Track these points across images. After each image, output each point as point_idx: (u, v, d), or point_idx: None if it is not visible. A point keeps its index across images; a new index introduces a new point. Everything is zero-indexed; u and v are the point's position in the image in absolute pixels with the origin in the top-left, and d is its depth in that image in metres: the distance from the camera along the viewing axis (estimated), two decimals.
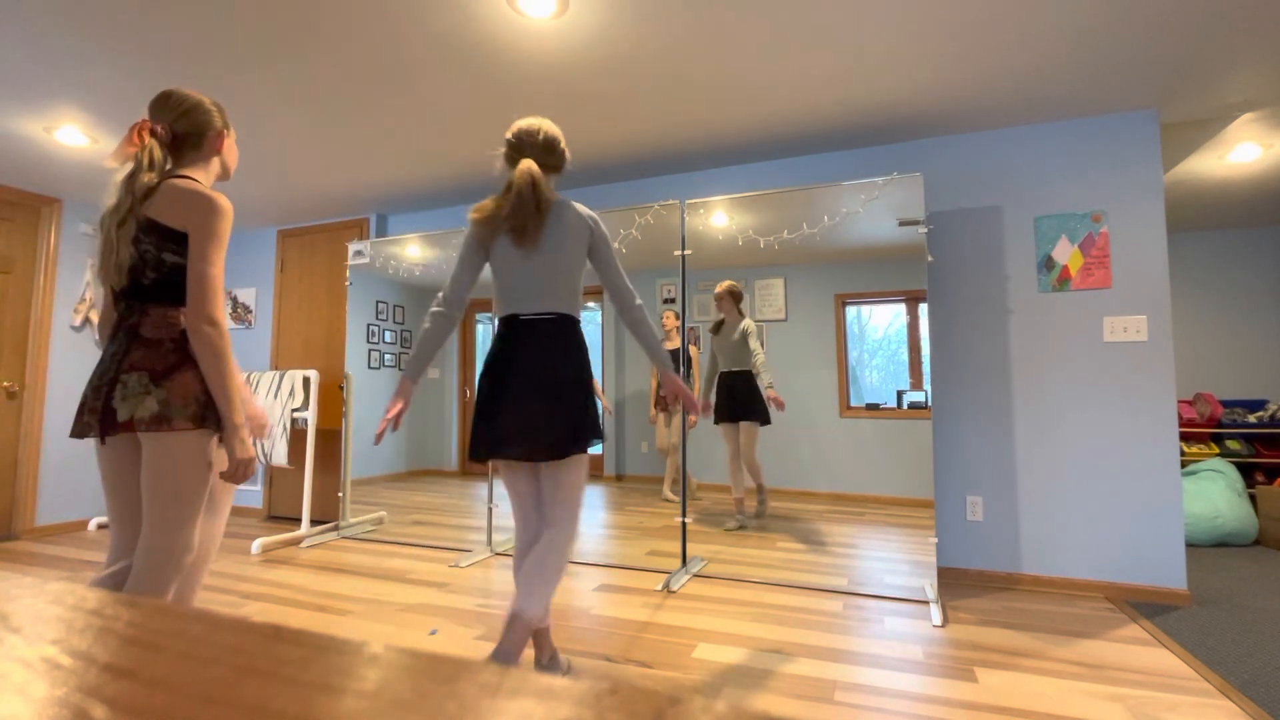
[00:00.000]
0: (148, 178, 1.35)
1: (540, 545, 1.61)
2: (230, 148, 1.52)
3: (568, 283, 1.66)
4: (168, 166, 1.41)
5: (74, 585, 0.32)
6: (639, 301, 1.73)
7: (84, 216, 3.95)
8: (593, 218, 1.70)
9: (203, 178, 1.46)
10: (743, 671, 1.83)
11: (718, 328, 3.04)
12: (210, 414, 1.36)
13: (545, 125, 1.68)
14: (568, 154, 1.74)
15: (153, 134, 1.38)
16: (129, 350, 1.33)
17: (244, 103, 2.60)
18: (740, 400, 2.97)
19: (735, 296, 3.01)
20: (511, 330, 1.64)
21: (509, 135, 1.69)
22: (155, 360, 1.32)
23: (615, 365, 3.18)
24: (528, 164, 1.62)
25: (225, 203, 1.36)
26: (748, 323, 2.97)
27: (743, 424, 2.96)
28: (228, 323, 4.31)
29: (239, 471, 1.38)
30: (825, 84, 2.47)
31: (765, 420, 2.92)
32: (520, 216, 1.60)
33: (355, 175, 3.46)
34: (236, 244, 4.63)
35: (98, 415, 1.31)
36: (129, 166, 1.37)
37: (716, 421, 2.99)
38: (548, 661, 1.77)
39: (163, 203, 1.34)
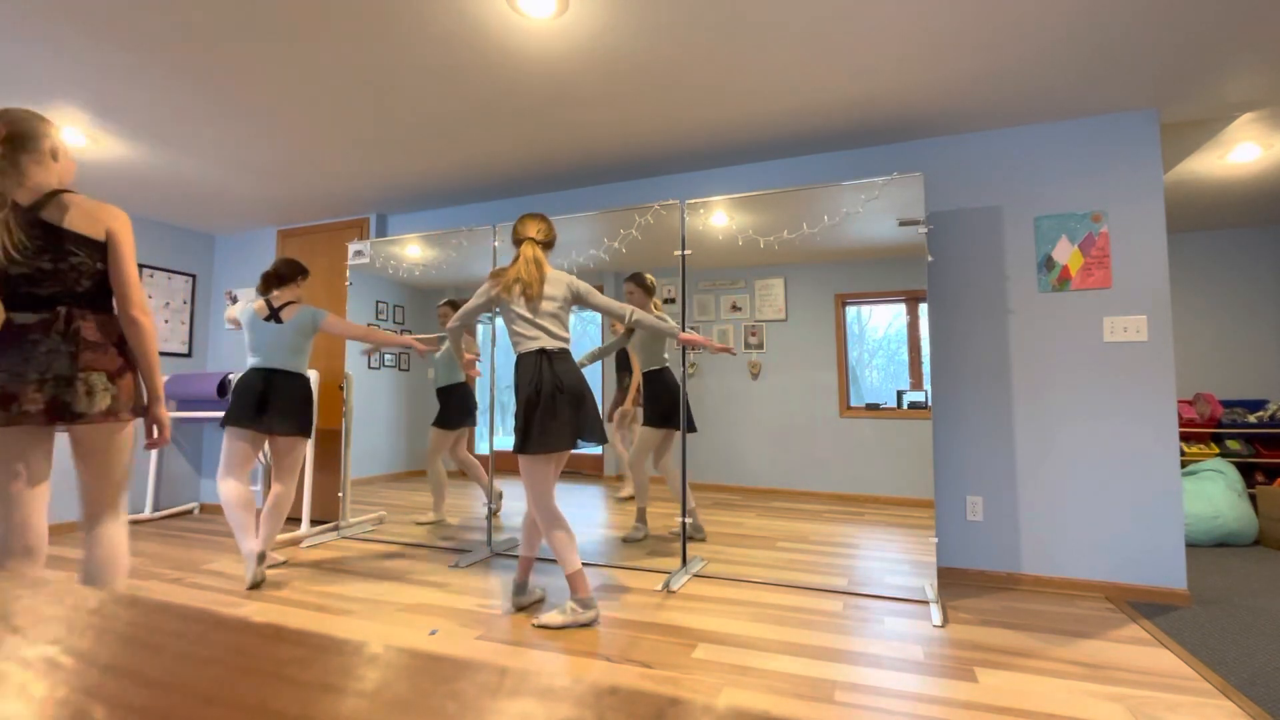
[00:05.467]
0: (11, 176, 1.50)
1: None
2: (67, 165, 1.65)
3: (562, 325, 2.21)
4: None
5: (74, 585, 0.32)
6: (630, 310, 2.25)
7: None
8: (569, 278, 2.23)
9: (55, 183, 1.60)
10: (743, 671, 1.83)
11: (629, 331, 2.98)
12: (137, 405, 1.64)
13: (542, 224, 2.24)
14: (555, 234, 2.32)
15: None
16: (78, 352, 1.53)
17: (245, 102, 2.61)
18: (663, 405, 2.90)
19: (646, 288, 2.91)
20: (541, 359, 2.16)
21: (515, 226, 2.27)
22: (108, 363, 1.58)
23: (615, 363, 3.18)
24: (531, 246, 2.20)
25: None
26: (657, 312, 2.89)
27: (664, 431, 2.90)
28: (228, 324, 4.42)
29: (164, 434, 1.66)
30: (825, 84, 2.47)
31: (680, 425, 2.85)
32: (528, 279, 2.15)
33: (355, 175, 3.46)
34: (237, 244, 4.63)
35: (39, 405, 1.48)
36: None
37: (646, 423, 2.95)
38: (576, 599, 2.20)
39: (80, 217, 1.54)
